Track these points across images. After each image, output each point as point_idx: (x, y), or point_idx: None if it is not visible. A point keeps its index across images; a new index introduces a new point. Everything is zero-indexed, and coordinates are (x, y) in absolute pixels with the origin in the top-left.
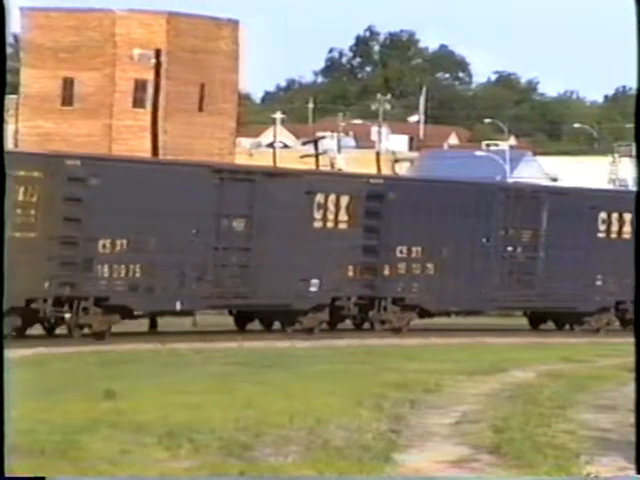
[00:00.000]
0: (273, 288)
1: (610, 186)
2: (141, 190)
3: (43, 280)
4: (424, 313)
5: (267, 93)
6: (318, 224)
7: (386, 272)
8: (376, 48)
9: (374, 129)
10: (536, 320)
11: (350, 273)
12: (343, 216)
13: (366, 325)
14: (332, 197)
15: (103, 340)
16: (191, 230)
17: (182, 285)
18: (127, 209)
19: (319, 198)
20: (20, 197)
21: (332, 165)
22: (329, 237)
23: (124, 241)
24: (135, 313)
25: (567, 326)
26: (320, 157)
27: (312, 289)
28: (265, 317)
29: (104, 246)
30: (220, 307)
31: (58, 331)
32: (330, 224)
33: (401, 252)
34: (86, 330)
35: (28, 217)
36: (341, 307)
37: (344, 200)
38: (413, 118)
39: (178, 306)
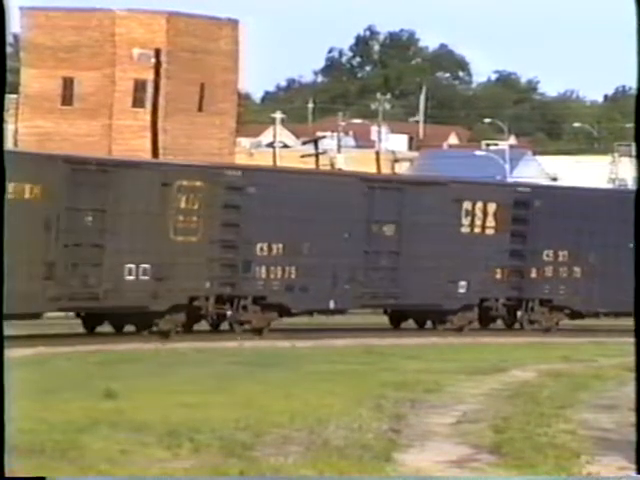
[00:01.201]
0: (423, 289)
1: (610, 186)
2: (294, 198)
3: (205, 280)
4: (575, 315)
5: (267, 93)
6: (466, 230)
7: (533, 275)
8: (376, 48)
9: (374, 129)
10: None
11: (498, 276)
12: (490, 222)
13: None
14: (479, 204)
15: (260, 335)
16: (343, 235)
17: (335, 286)
18: (282, 216)
19: (466, 205)
20: (182, 205)
21: (332, 165)
22: (476, 242)
23: (280, 245)
24: (292, 311)
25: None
26: (320, 157)
27: (460, 290)
28: (418, 316)
29: (261, 249)
30: (371, 306)
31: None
32: (477, 230)
33: (547, 256)
34: (246, 326)
35: (190, 223)
36: (489, 308)
37: (491, 207)
38: (413, 118)
39: (332, 305)
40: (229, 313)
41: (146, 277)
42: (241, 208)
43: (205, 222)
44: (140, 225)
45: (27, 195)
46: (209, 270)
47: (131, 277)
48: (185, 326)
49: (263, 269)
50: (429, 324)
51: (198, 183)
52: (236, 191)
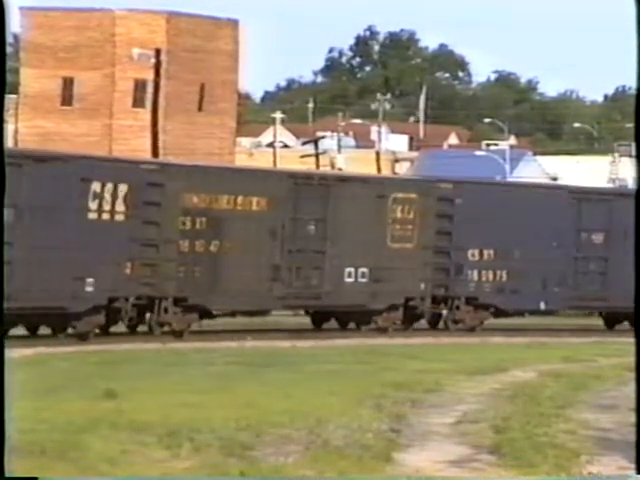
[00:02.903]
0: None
1: (610, 185)
2: (500, 207)
3: (420, 282)
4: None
5: (267, 93)
6: None
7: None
8: (376, 48)
9: (374, 129)
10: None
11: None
12: None
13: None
14: None
15: (474, 333)
16: (552, 242)
17: (544, 288)
18: (491, 224)
19: None
20: (398, 215)
21: (332, 165)
22: None
23: (491, 251)
24: (504, 309)
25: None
26: (320, 157)
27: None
28: (615, 319)
29: (473, 255)
30: (581, 309)
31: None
32: None
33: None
34: (460, 325)
35: (405, 231)
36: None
37: None
38: (413, 118)
39: (542, 306)
40: (445, 312)
41: (364, 279)
42: (453, 217)
43: (419, 230)
44: (358, 233)
45: (254, 207)
46: (423, 273)
47: (350, 279)
48: (403, 323)
49: (475, 272)
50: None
51: (412, 195)
52: (448, 202)
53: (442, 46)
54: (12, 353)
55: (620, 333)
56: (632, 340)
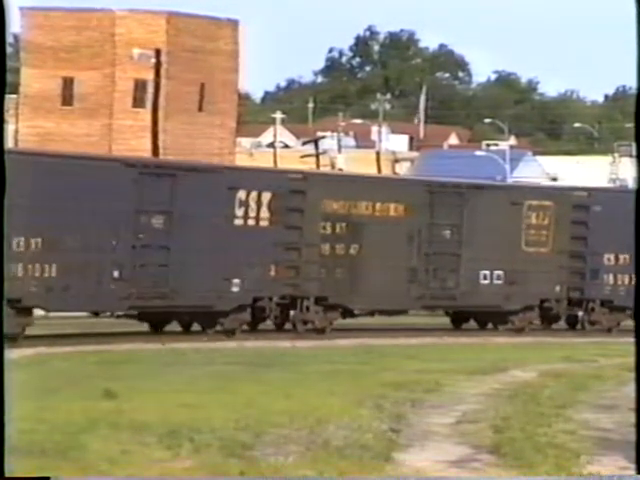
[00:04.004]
0: None
1: (610, 185)
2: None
3: (555, 285)
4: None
5: (267, 93)
6: None
7: None
8: (376, 48)
9: (374, 129)
10: (458, 320)
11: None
12: None
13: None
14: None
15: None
16: None
17: None
18: (625, 230)
19: None
20: (533, 220)
21: (332, 165)
22: None
23: (627, 256)
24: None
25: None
26: (320, 157)
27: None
28: None
29: (609, 259)
30: None
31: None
32: None
33: None
34: (597, 326)
35: (540, 236)
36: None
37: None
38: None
39: None
40: (580, 314)
41: (500, 281)
42: (588, 224)
43: (554, 235)
44: (493, 238)
45: (392, 213)
46: (559, 276)
47: (486, 281)
48: (542, 323)
49: (610, 276)
50: None
51: (547, 202)
52: (583, 209)
53: (442, 46)
54: (12, 354)
55: (623, 333)
56: (632, 340)
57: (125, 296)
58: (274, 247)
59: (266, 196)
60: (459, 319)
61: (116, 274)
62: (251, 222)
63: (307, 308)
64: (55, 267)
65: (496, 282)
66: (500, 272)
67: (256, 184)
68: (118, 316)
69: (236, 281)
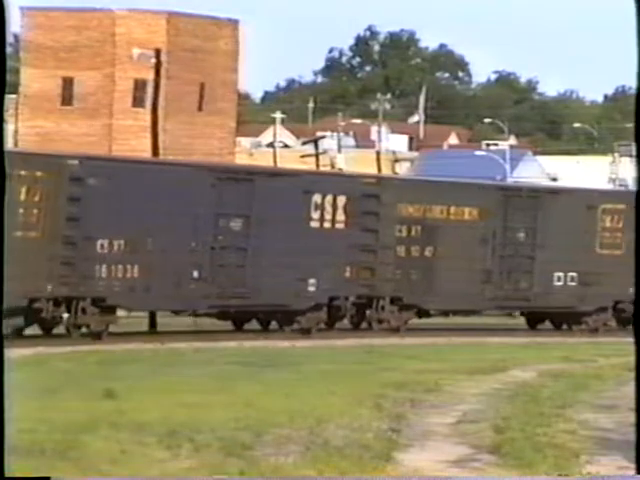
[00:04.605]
0: None
1: (610, 186)
2: None
3: (629, 286)
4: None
5: (267, 93)
6: None
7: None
8: (376, 48)
9: (374, 129)
10: (533, 321)
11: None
12: None
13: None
14: None
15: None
16: None
17: None
18: None
19: None
20: (607, 224)
21: (332, 165)
22: None
23: None
24: None
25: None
26: (320, 157)
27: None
28: None
29: None
30: None
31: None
32: None
33: None
34: None
35: (615, 239)
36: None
37: None
38: (413, 118)
39: None
40: None
41: (573, 283)
42: None
43: (628, 238)
44: (567, 240)
45: (466, 216)
46: (632, 278)
47: (559, 283)
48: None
49: None
50: None
51: (620, 206)
52: None
53: (442, 46)
54: (12, 353)
55: (627, 333)
56: (632, 340)
57: (205, 295)
58: (350, 249)
59: (341, 199)
60: (534, 320)
61: (196, 274)
62: (327, 225)
63: (382, 308)
64: (137, 268)
65: (570, 284)
66: (574, 274)
67: (331, 188)
68: (197, 315)
69: (312, 281)
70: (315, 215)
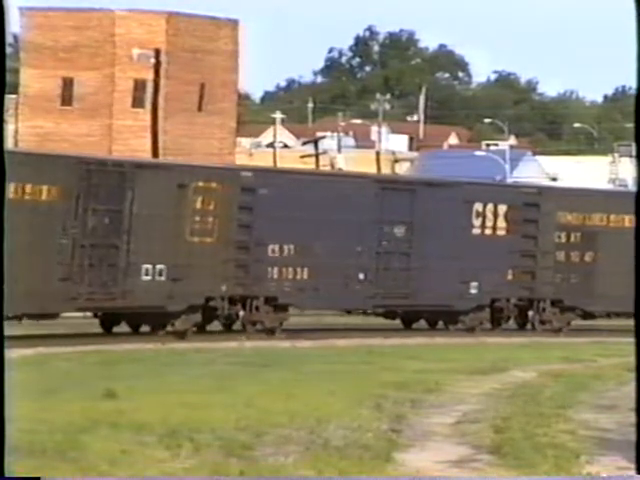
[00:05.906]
0: None
1: (610, 186)
2: None
3: None
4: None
5: (267, 93)
6: None
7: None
8: (376, 48)
9: (374, 129)
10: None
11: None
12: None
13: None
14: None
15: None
16: None
17: None
18: None
19: None
20: None
21: (332, 165)
22: None
23: None
24: None
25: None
26: (320, 157)
27: None
28: None
29: None
30: None
31: None
32: None
33: None
34: None
35: None
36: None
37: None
38: (413, 117)
39: None
40: None
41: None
42: None
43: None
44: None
45: (627, 224)
46: None
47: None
48: None
49: None
50: None
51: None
52: None
53: (442, 46)
54: (12, 353)
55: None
56: (632, 340)
57: (370, 295)
58: (511, 254)
59: (502, 208)
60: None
61: (361, 276)
62: (488, 231)
63: (544, 309)
64: (306, 270)
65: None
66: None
67: (491, 197)
68: (366, 313)
69: (474, 284)
70: (476, 222)
